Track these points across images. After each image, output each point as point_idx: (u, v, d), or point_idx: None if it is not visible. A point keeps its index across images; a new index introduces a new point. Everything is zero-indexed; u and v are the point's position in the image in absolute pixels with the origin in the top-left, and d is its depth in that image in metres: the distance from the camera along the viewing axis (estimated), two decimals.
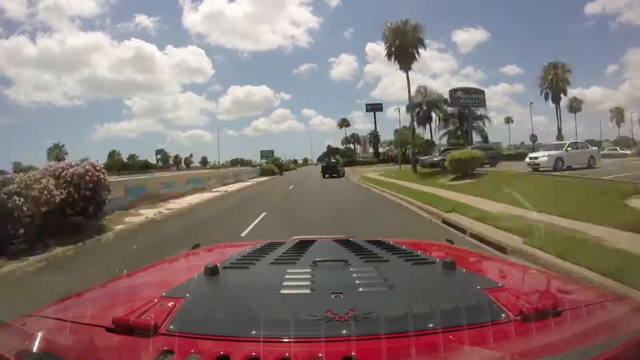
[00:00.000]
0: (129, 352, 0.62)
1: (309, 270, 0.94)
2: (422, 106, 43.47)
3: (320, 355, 0.56)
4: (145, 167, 57.32)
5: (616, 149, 34.59)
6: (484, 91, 32.79)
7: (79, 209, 7.09)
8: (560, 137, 34.69)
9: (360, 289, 0.80)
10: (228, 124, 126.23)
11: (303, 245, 1.27)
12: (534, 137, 35.67)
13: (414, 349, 0.57)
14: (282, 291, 0.80)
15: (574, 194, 8.58)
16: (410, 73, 24.18)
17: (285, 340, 0.60)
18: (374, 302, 0.75)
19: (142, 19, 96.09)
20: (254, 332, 0.62)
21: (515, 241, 5.10)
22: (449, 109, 40.60)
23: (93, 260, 5.54)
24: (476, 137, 36.69)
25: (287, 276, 0.89)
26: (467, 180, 14.03)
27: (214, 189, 18.31)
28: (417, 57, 23.91)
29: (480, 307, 0.71)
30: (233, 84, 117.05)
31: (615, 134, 56.00)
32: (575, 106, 49.06)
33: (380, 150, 64.38)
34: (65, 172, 7.03)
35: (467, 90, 31.32)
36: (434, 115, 44.86)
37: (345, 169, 33.15)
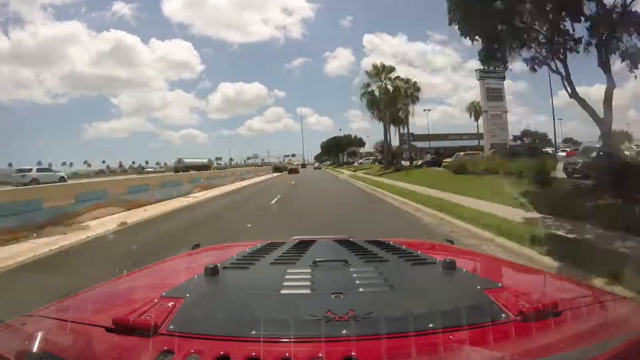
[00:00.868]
0: (129, 352, 0.62)
1: (309, 270, 0.94)
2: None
3: (320, 355, 0.56)
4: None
5: None
6: None
7: None
8: None
9: (360, 289, 0.80)
10: (221, 123, 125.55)
11: (303, 246, 1.27)
12: None
13: (414, 349, 0.57)
14: (282, 291, 0.81)
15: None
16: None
17: (285, 340, 0.60)
18: (374, 302, 0.75)
19: (120, 7, 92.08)
20: (254, 332, 0.62)
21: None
22: None
23: None
24: None
25: (287, 276, 0.89)
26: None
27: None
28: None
29: (480, 308, 0.71)
30: (223, 81, 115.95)
31: None
32: None
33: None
34: None
35: None
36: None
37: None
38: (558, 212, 6.02)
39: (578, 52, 9.51)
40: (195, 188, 16.45)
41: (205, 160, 48.83)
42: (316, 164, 57.42)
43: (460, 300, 0.74)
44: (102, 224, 8.12)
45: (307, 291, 0.81)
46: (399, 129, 34.56)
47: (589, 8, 9.02)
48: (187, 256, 1.42)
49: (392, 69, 31.33)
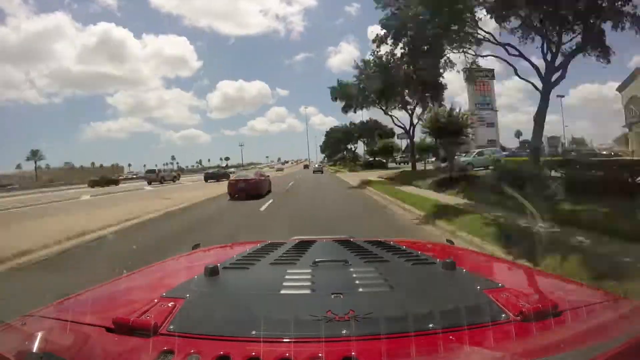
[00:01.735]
0: (129, 352, 0.62)
1: (309, 270, 0.94)
2: None
3: (320, 355, 0.56)
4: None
5: None
6: None
7: None
8: None
9: (360, 289, 0.80)
10: (222, 123, 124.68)
11: (303, 246, 1.27)
12: None
13: (414, 349, 0.57)
14: (282, 291, 0.80)
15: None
16: None
17: (285, 340, 0.60)
18: (374, 302, 0.75)
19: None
20: (254, 332, 0.62)
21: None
22: None
23: None
24: None
25: (287, 276, 0.89)
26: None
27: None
28: None
29: (480, 308, 0.71)
30: (222, 79, 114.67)
31: None
32: None
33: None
34: None
35: None
36: None
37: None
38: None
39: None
40: None
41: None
42: (317, 165, 58.21)
43: (460, 300, 0.74)
44: None
45: (307, 291, 0.80)
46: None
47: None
48: (187, 256, 1.42)
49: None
